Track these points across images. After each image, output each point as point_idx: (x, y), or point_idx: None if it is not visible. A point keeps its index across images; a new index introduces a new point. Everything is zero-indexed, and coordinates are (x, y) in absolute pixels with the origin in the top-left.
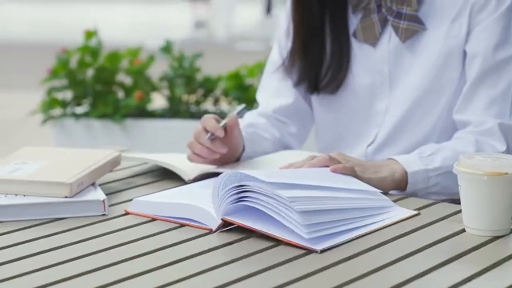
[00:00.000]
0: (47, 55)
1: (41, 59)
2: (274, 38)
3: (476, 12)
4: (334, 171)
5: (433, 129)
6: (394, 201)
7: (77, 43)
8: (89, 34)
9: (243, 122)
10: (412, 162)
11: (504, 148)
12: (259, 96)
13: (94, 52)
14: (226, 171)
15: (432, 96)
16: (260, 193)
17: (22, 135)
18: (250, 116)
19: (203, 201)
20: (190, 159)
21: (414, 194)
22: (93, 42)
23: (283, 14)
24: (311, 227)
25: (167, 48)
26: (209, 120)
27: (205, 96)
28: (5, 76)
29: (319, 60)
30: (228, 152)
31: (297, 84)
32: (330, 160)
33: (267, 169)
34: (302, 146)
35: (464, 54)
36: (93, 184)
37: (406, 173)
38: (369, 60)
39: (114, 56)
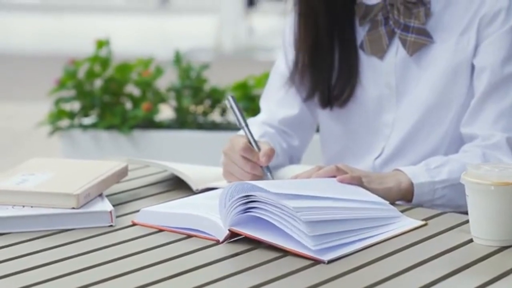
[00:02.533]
0: (56, 65)
1: (51, 69)
2: (280, 47)
3: (484, 26)
4: (341, 181)
5: (441, 142)
6: (401, 211)
7: (87, 54)
8: (100, 44)
9: (255, 133)
10: (418, 174)
11: (511, 162)
12: (263, 104)
13: (104, 62)
14: (233, 182)
15: (439, 109)
16: (266, 203)
17: (30, 146)
18: (256, 125)
19: (210, 212)
20: (225, 176)
21: (419, 206)
22: (103, 52)
23: (289, 24)
24: (317, 239)
25: (177, 60)
26: (266, 150)
27: (213, 106)
28: (14, 87)
29: (329, 74)
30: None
31: (306, 99)
32: (337, 171)
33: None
34: (304, 158)
35: (472, 67)
36: (100, 195)
37: (412, 184)
38: (376, 73)
39: (124, 67)
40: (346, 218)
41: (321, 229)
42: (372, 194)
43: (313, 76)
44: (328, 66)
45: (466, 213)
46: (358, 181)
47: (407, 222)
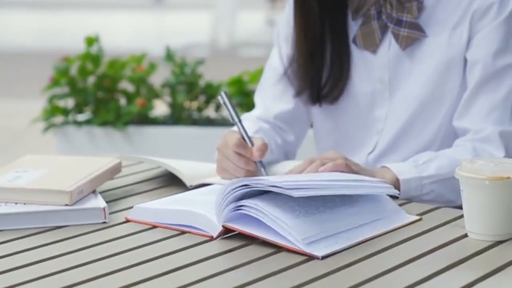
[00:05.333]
0: (50, 63)
1: (45, 67)
2: (274, 42)
3: (477, 19)
4: (324, 171)
5: (434, 136)
6: None
7: (80, 51)
8: (90, 41)
9: (250, 128)
10: (405, 170)
11: (502, 155)
12: (258, 99)
13: (95, 59)
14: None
15: (433, 103)
16: (258, 198)
17: (25, 144)
18: (251, 120)
19: (204, 208)
20: (219, 172)
21: (410, 201)
22: (94, 49)
23: (283, 19)
24: (309, 241)
25: (169, 56)
26: (259, 146)
27: (207, 102)
28: (9, 84)
29: (320, 70)
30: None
31: (298, 94)
32: (322, 165)
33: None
34: (299, 154)
35: (465, 61)
36: (93, 192)
37: (398, 180)
38: (369, 67)
39: (116, 63)
40: (338, 194)
41: (314, 232)
42: (365, 177)
43: (305, 73)
44: (320, 63)
45: (459, 208)
46: (343, 167)
47: (402, 217)
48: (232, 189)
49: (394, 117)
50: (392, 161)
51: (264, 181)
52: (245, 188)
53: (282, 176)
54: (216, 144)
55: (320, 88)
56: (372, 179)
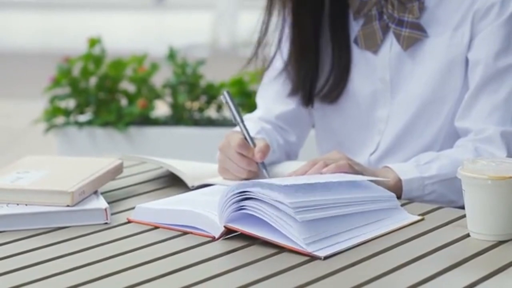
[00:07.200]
0: (51, 63)
1: (46, 67)
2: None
3: (478, 20)
4: (327, 172)
5: (436, 137)
6: None
7: (81, 51)
8: (93, 42)
9: (252, 129)
10: (407, 170)
11: (504, 155)
12: (259, 100)
13: (97, 60)
14: (234, 183)
15: (434, 104)
16: (261, 201)
17: (26, 144)
18: (253, 121)
19: (205, 209)
20: (221, 173)
21: (411, 202)
22: (96, 50)
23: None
24: (312, 241)
25: (171, 56)
26: (262, 147)
27: (208, 103)
28: (10, 85)
29: (314, 72)
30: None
31: (290, 94)
32: (325, 166)
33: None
34: (301, 154)
35: (467, 62)
36: (95, 193)
37: (400, 180)
38: (370, 68)
39: (118, 64)
40: (343, 214)
41: (317, 233)
42: (368, 177)
43: (298, 73)
44: (313, 64)
45: (461, 208)
46: (346, 167)
47: (404, 217)
48: (235, 194)
49: (395, 117)
50: (394, 161)
51: (269, 192)
52: (248, 195)
53: (284, 178)
54: (218, 144)
55: (313, 90)
56: (378, 187)
